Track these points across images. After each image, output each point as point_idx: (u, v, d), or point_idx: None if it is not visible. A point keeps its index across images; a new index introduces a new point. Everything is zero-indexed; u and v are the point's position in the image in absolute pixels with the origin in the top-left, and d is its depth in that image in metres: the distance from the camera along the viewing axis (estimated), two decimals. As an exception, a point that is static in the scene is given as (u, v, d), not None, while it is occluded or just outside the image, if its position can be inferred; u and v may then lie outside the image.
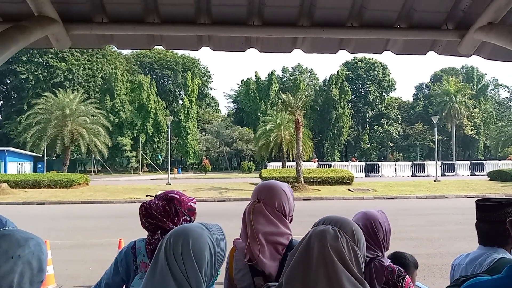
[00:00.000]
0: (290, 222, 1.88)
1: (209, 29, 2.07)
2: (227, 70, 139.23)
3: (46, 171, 39.42)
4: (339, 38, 2.26)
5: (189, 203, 2.08)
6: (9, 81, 54.33)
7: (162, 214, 1.98)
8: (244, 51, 2.27)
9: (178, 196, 2.06)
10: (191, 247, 1.18)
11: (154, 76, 62.66)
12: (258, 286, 1.74)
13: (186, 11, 2.01)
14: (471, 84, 66.23)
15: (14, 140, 44.24)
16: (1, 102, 57.52)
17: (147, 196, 2.30)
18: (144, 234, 2.05)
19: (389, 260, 2.03)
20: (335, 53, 2.32)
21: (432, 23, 2.14)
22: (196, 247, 1.19)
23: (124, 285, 2.00)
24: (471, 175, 39.61)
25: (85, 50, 54.76)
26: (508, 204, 1.97)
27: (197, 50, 2.26)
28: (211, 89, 73.52)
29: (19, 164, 41.89)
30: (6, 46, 1.55)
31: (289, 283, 1.23)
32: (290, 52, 2.29)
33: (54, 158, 49.03)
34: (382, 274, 1.93)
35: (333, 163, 43.57)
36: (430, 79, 73.18)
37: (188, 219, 2.06)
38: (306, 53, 2.28)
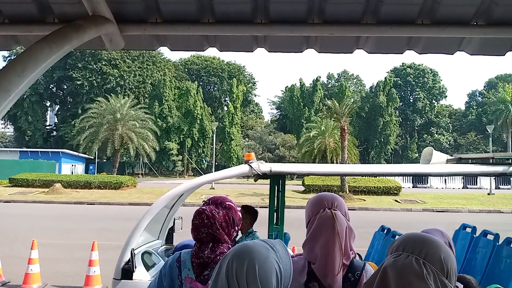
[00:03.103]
0: None
1: (266, 29, 1.95)
2: (271, 77, 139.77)
3: (97, 173, 41.13)
4: (407, 37, 2.06)
5: (238, 213, 1.94)
6: (65, 87, 57.44)
7: (223, 225, 1.81)
8: (301, 52, 2.13)
9: (233, 205, 1.91)
10: (257, 272, 1.05)
11: (201, 83, 63.96)
12: None
13: (243, 10, 1.90)
14: (530, 91, 62.22)
15: (69, 143, 46.61)
16: (58, 106, 60.85)
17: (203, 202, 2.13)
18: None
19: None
20: (402, 53, 2.13)
21: None
22: (263, 272, 1.05)
23: None
24: (529, 189, 37.11)
25: (136, 57, 56.91)
26: None
27: (252, 51, 2.15)
28: (255, 95, 73.98)
29: (73, 165, 44.01)
30: (60, 45, 1.51)
31: None
32: (351, 53, 2.12)
33: (104, 161, 51.09)
34: None
35: (379, 172, 42.25)
36: (484, 86, 69.55)
37: (237, 229, 1.92)
38: (369, 53, 2.10)
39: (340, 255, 1.56)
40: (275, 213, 3.51)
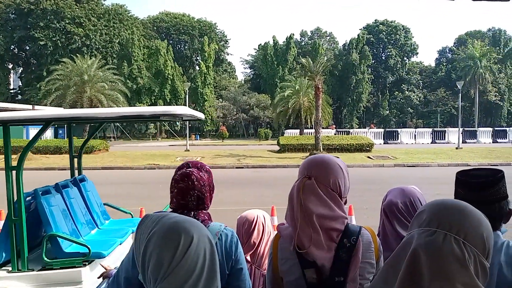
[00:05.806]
0: (344, 204, 1.61)
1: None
2: (244, 35, 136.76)
3: (66, 138, 40.02)
4: None
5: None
6: (28, 48, 54.53)
7: (208, 188, 1.73)
8: None
9: (210, 170, 1.84)
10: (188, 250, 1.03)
11: (171, 42, 61.88)
12: (309, 279, 1.50)
13: None
14: (498, 48, 63.52)
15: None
16: (21, 68, 57.97)
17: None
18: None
19: None
20: None
21: None
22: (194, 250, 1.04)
23: None
24: (493, 142, 38.68)
25: (101, 15, 54.16)
26: (501, 177, 1.63)
27: None
28: (228, 54, 72.42)
29: (41, 130, 42.47)
30: None
31: None
32: None
33: (74, 125, 49.63)
34: None
35: (351, 130, 43.05)
36: (454, 43, 70.35)
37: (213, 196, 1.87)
38: None
39: (307, 226, 1.49)
40: None
